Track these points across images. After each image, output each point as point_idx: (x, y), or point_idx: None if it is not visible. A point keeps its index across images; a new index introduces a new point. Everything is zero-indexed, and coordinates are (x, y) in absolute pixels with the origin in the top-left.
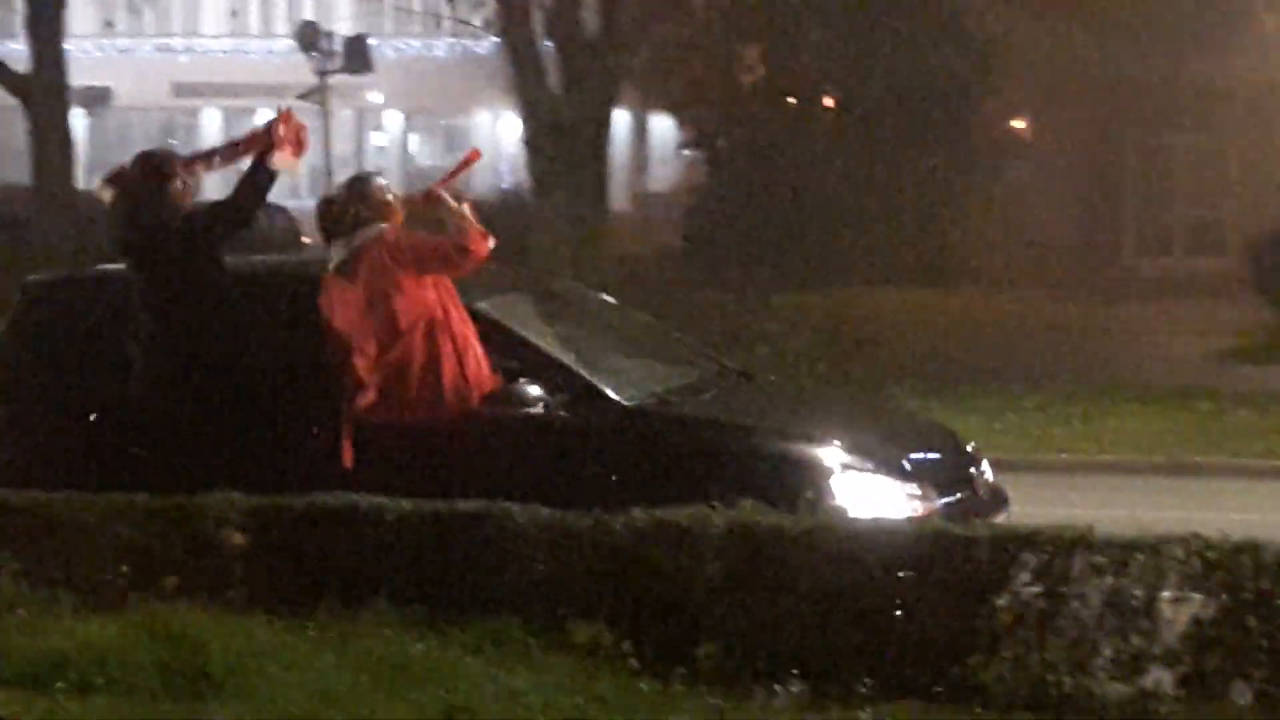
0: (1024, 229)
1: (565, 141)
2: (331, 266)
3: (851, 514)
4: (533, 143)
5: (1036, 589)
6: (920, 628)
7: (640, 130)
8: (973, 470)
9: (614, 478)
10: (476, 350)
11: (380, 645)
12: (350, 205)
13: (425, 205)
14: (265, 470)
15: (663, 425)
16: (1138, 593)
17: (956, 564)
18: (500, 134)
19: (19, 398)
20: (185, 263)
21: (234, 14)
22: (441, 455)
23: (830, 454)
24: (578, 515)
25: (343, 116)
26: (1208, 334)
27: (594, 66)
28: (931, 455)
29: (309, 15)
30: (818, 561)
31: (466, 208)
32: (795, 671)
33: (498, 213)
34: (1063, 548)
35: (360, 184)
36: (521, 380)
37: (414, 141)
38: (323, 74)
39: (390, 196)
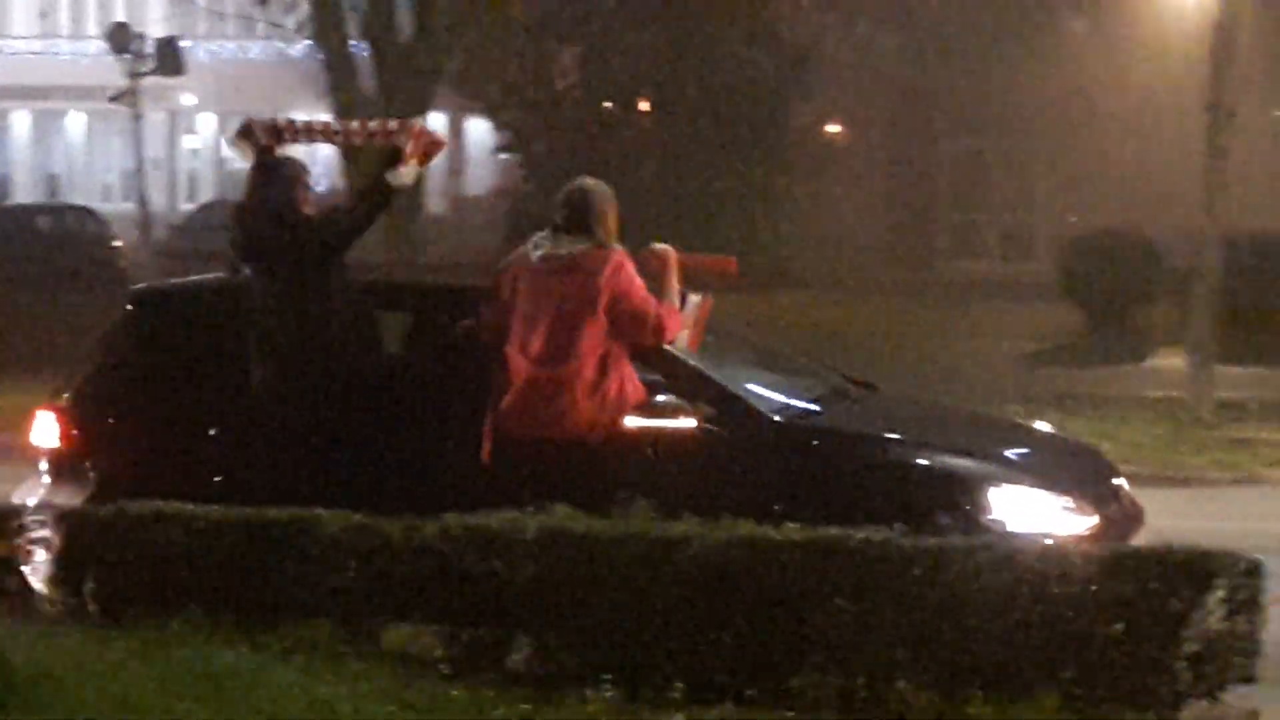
0: (838, 233)
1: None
2: (535, 254)
3: (1010, 529)
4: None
5: (846, 596)
6: (733, 632)
7: (456, 133)
8: (1117, 484)
9: (766, 492)
10: (633, 372)
11: (190, 653)
12: (591, 212)
13: (653, 260)
14: (399, 483)
15: (812, 438)
16: (948, 598)
17: (769, 570)
18: None
19: (126, 409)
20: (316, 266)
21: (43, 15)
22: (587, 471)
23: (988, 468)
24: (389, 520)
25: (155, 119)
26: (1019, 337)
27: (408, 69)
28: (1081, 470)
29: (120, 17)
30: (631, 566)
31: (698, 302)
32: (608, 675)
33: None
34: (871, 555)
35: (611, 199)
36: (666, 395)
37: (227, 145)
38: (134, 76)
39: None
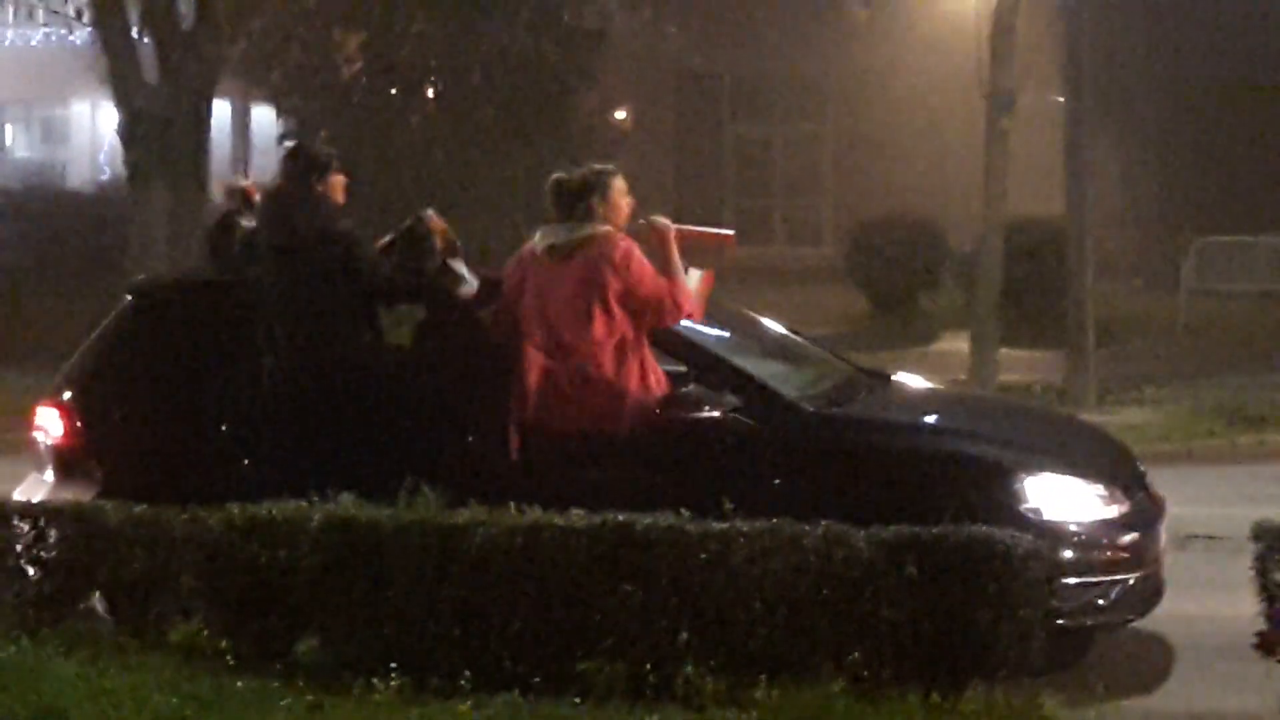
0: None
1: (162, 133)
2: (540, 246)
3: (1046, 517)
4: (129, 135)
5: (633, 581)
6: (520, 620)
7: (242, 121)
8: (1142, 472)
9: (797, 484)
10: (654, 362)
11: None
12: (587, 193)
13: (651, 234)
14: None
15: (845, 428)
16: (735, 582)
17: (556, 557)
18: (100, 125)
19: (127, 405)
20: (341, 268)
21: None
22: (615, 462)
23: (1023, 456)
24: (173, 511)
25: None
26: (806, 321)
27: (190, 57)
28: (1108, 457)
29: None
30: (417, 555)
31: (700, 276)
32: (395, 665)
33: (94, 204)
34: (657, 541)
35: (605, 177)
36: (694, 385)
37: (10, 133)
38: None
39: (626, 200)
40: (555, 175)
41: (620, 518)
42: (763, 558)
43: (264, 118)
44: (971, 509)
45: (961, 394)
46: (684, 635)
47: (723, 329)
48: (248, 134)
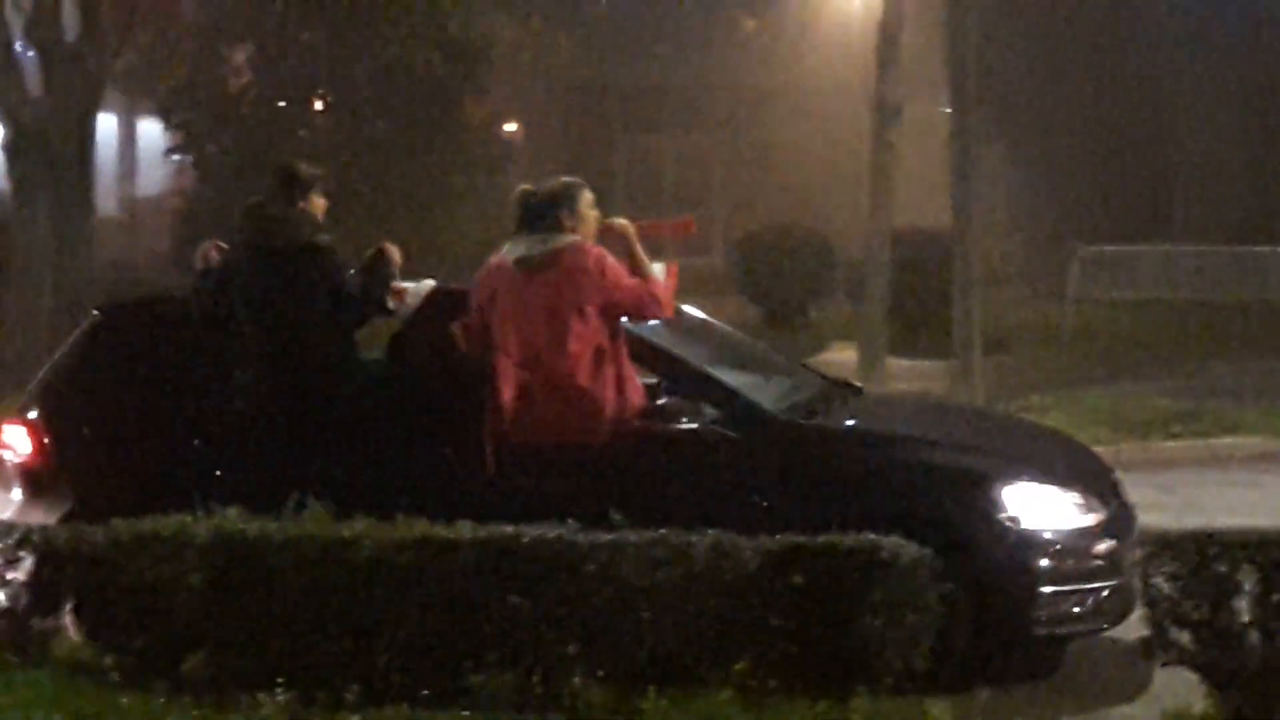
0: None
1: (47, 146)
2: (510, 258)
3: (1024, 526)
4: (13, 148)
5: (521, 593)
6: (408, 632)
7: (129, 134)
8: (1115, 480)
9: (777, 495)
10: (633, 373)
11: None
12: (555, 205)
13: (615, 236)
14: (396, 494)
15: (824, 438)
16: (622, 593)
17: (443, 570)
18: None
19: (97, 422)
20: (322, 281)
21: None
22: (593, 474)
23: (1001, 464)
24: (57, 527)
25: None
26: None
27: (75, 70)
28: (1083, 466)
29: None
30: (304, 569)
31: (663, 267)
32: (282, 680)
33: None
34: (545, 553)
35: (572, 189)
36: (673, 396)
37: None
38: None
39: (595, 212)
40: (522, 187)
41: (508, 530)
42: (651, 568)
43: (150, 130)
44: (950, 518)
45: (934, 403)
46: (572, 646)
47: (694, 339)
48: (134, 147)
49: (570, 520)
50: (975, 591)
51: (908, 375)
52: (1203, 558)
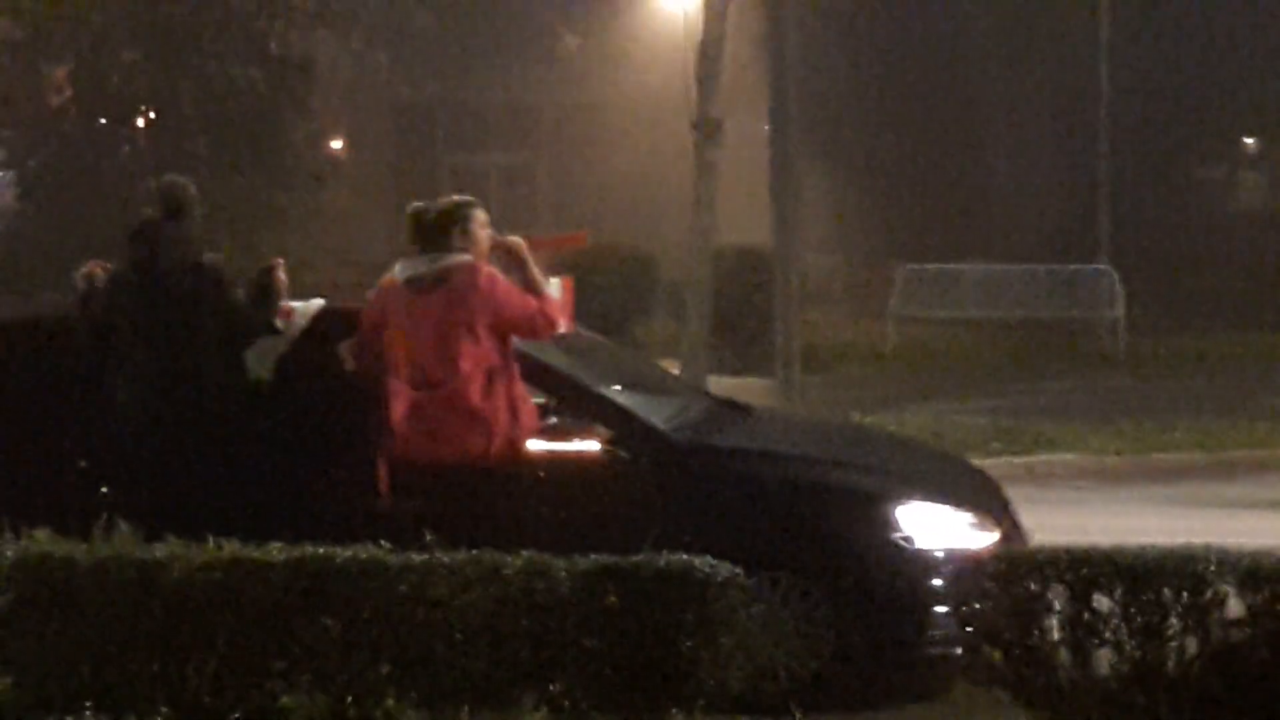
0: (342, 247)
1: None
2: (401, 277)
3: (918, 545)
4: None
5: (333, 614)
6: (219, 654)
7: None
8: (1005, 502)
9: (672, 517)
10: (525, 393)
11: None
12: (447, 225)
13: (509, 254)
14: (284, 514)
15: (718, 459)
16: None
17: (254, 590)
18: None
19: None
20: (210, 300)
21: None
22: (487, 495)
23: (895, 484)
24: None
25: None
26: None
27: None
28: (975, 487)
29: None
30: (112, 590)
31: (558, 283)
32: (90, 703)
33: None
34: (357, 573)
35: (465, 209)
36: (563, 417)
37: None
38: None
39: (487, 232)
40: (414, 206)
41: (320, 550)
42: (463, 589)
43: None
44: (844, 538)
45: (827, 423)
46: (385, 667)
47: (585, 358)
48: None
49: (456, 541)
50: (868, 610)
51: (729, 392)
52: (1013, 576)
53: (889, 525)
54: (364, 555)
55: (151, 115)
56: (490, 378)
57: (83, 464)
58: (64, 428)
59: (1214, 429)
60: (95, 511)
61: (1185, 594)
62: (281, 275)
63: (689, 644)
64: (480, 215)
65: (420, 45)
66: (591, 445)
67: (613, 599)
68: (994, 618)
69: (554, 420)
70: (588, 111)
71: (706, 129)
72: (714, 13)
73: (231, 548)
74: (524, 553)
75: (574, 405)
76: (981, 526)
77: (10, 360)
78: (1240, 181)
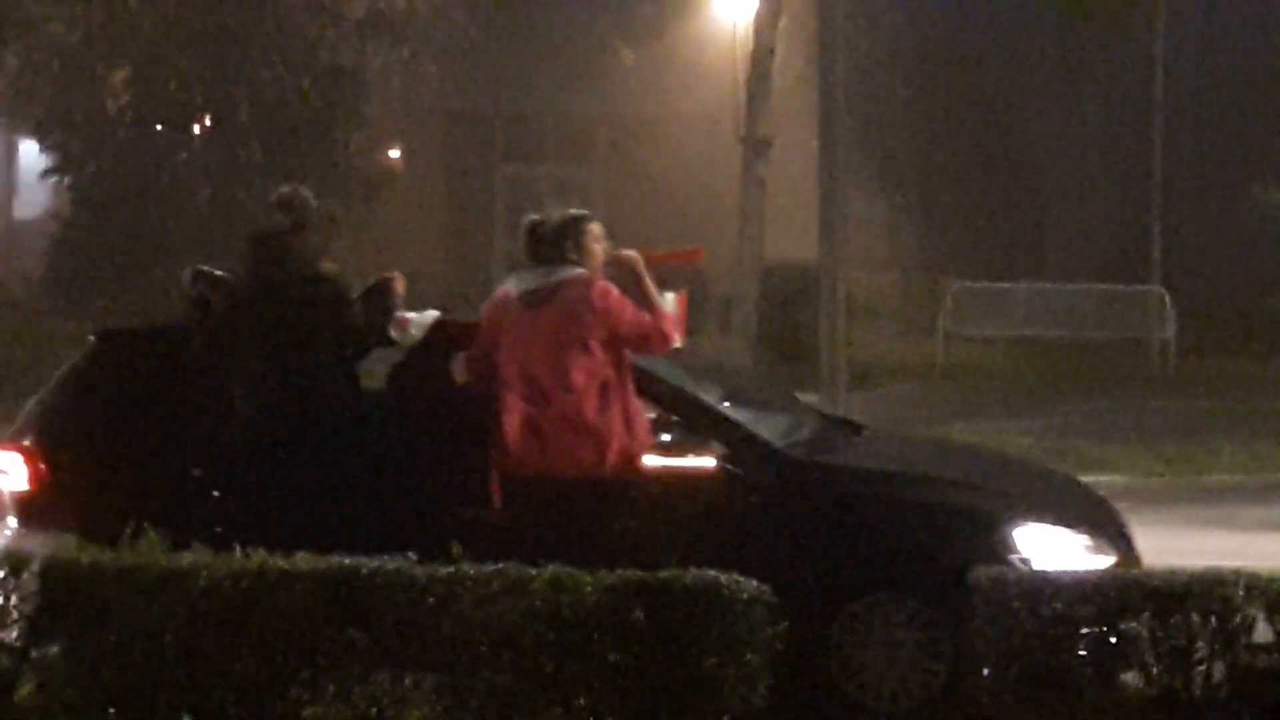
0: (398, 258)
1: None
2: (515, 291)
3: (1037, 566)
4: None
5: (359, 626)
6: (244, 664)
7: (9, 155)
8: (1123, 527)
9: (787, 535)
10: (639, 408)
11: None
12: (561, 238)
13: (621, 267)
14: (399, 529)
15: (837, 478)
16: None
17: (281, 601)
18: None
19: (94, 451)
20: (330, 308)
21: None
22: (601, 509)
23: (1013, 506)
24: None
25: None
26: None
27: None
28: (1093, 510)
29: None
30: (139, 597)
31: (673, 297)
32: (114, 709)
33: None
34: (383, 585)
35: (579, 222)
36: (678, 433)
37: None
38: None
39: (601, 245)
40: (529, 218)
41: (346, 561)
42: (489, 602)
43: (31, 150)
44: (962, 557)
45: (940, 442)
46: (408, 679)
47: (697, 373)
48: (14, 167)
49: (568, 557)
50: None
51: None
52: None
53: (1007, 547)
54: (390, 566)
55: (208, 123)
56: (604, 392)
57: (197, 473)
58: (179, 436)
59: (1259, 452)
60: (209, 521)
61: (1213, 618)
62: (399, 287)
63: (715, 661)
64: (595, 229)
65: (472, 56)
66: (707, 461)
67: (638, 614)
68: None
69: (671, 436)
70: (640, 125)
71: (755, 144)
72: (763, 27)
73: (259, 557)
74: (551, 566)
75: (690, 421)
76: (1098, 549)
77: (126, 369)
78: None
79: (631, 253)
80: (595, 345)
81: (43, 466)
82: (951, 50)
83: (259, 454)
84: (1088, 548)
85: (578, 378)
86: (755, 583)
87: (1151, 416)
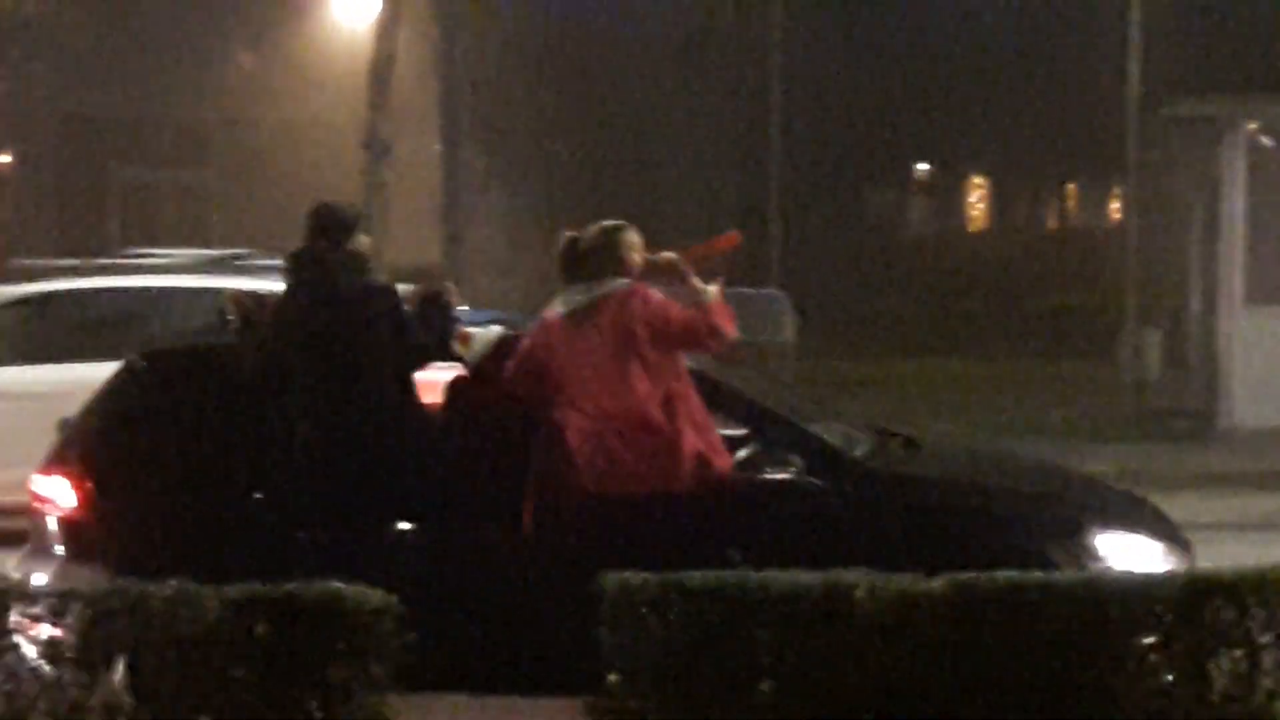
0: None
1: None
2: (562, 310)
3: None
4: None
5: None
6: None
7: None
8: (1179, 531)
9: (868, 548)
10: (710, 421)
11: None
12: (597, 251)
13: (664, 270)
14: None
15: (916, 489)
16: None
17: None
18: None
19: (143, 474)
20: (386, 321)
21: None
22: (681, 527)
23: (1094, 514)
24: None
25: None
26: None
27: None
28: (1155, 517)
29: None
30: None
31: (715, 289)
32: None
33: None
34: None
35: (614, 233)
36: (758, 445)
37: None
38: None
39: (639, 254)
40: (566, 235)
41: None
42: (107, 619)
43: None
44: (1042, 566)
45: (1001, 453)
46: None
47: (758, 385)
48: None
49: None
50: None
51: None
52: None
53: (1088, 552)
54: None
55: None
56: (669, 401)
57: (257, 496)
58: (234, 458)
59: None
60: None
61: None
62: (454, 298)
63: (343, 673)
64: (630, 238)
65: (87, 59)
66: (784, 474)
67: (263, 628)
68: None
69: (745, 450)
70: (261, 129)
71: (378, 148)
72: (384, 33)
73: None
74: (171, 581)
75: (768, 435)
76: (1171, 555)
77: (177, 390)
78: (911, 207)
79: (670, 255)
80: (648, 351)
81: (89, 489)
82: (571, 53)
83: (321, 475)
84: (1164, 553)
85: (639, 385)
86: (383, 593)
87: None
